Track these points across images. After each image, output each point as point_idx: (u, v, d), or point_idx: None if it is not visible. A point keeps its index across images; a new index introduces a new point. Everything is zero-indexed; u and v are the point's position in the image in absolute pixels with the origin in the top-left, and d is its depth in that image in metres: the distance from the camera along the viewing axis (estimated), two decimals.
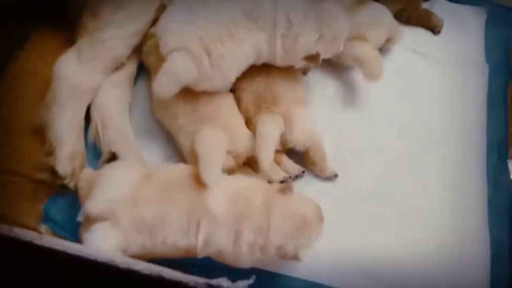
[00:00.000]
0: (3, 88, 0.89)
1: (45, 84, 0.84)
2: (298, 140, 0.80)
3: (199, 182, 0.70)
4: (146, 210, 0.68)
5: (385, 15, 0.91)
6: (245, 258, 0.68)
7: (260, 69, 0.83)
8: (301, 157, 0.84)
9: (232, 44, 0.74)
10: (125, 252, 0.67)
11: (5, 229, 0.54)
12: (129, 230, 0.68)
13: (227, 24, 0.73)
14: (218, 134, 0.76)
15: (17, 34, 0.93)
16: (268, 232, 0.67)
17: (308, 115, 0.83)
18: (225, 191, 0.70)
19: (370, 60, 0.87)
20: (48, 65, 0.84)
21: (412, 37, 1.00)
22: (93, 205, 0.69)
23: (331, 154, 0.84)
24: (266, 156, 0.75)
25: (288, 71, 0.85)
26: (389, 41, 0.93)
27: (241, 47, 0.75)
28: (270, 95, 0.82)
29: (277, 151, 0.80)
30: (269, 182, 0.77)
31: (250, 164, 0.81)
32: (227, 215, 0.68)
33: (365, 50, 0.87)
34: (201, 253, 0.68)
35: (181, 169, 0.74)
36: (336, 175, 0.84)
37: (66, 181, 0.78)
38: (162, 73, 0.72)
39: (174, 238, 0.67)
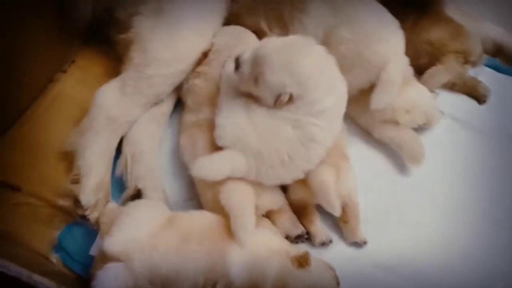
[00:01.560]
0: (40, 109, 0.90)
1: (82, 110, 0.84)
2: (340, 194, 0.76)
3: (221, 235, 0.67)
4: (163, 260, 0.65)
5: (425, 98, 0.88)
6: None
7: None
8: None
9: None
10: None
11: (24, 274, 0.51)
12: (141, 277, 0.64)
13: None
14: (245, 186, 0.73)
15: (61, 57, 0.94)
16: None
17: (352, 172, 0.80)
18: (246, 254, 0.66)
19: (408, 144, 0.86)
20: (88, 91, 0.85)
21: (454, 103, 0.97)
22: (111, 243, 0.67)
23: None
24: (334, 202, 0.73)
25: None
26: (423, 125, 0.90)
27: None
28: None
29: (309, 209, 0.78)
30: (287, 237, 0.75)
31: (268, 216, 0.78)
32: (242, 282, 0.64)
33: (401, 133, 0.86)
34: None
35: (204, 218, 0.71)
36: (365, 242, 0.80)
37: (87, 212, 0.76)
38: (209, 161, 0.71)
39: None
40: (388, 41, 0.82)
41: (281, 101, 0.70)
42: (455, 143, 0.94)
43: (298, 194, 0.78)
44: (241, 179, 0.72)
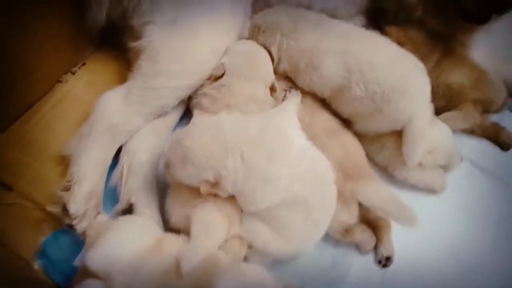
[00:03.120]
0: (44, 108, 0.88)
1: (85, 114, 0.82)
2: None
3: (205, 270, 0.62)
4: (146, 285, 0.61)
5: (447, 140, 0.83)
6: None
7: None
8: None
9: None
10: None
11: None
12: None
13: None
14: (218, 213, 0.69)
15: (72, 59, 0.93)
16: None
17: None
18: None
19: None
20: (96, 95, 0.82)
21: (474, 147, 0.92)
22: (93, 258, 0.64)
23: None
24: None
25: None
26: (444, 167, 0.85)
27: None
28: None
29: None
30: None
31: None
32: None
33: (425, 175, 0.83)
34: None
35: None
36: (389, 258, 0.76)
37: (74, 222, 0.73)
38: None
39: None
40: (412, 95, 0.77)
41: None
42: (473, 189, 0.88)
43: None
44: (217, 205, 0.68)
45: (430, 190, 0.84)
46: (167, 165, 0.68)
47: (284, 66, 0.86)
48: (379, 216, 0.77)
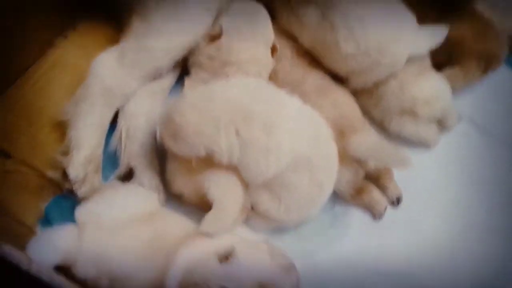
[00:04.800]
0: (38, 73, 0.85)
1: (81, 78, 0.79)
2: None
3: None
4: (118, 255, 0.60)
5: (445, 91, 0.82)
6: None
7: None
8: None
9: None
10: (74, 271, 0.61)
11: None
12: (86, 257, 0.61)
13: None
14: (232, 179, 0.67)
15: (63, 22, 0.89)
16: None
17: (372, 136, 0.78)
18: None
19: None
20: (88, 58, 0.80)
21: (472, 103, 0.90)
22: (80, 209, 0.65)
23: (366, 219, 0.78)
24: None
25: None
26: (440, 122, 0.84)
27: None
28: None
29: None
30: None
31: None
32: None
33: (420, 129, 0.81)
34: None
35: (182, 226, 0.66)
36: (399, 198, 0.78)
37: (75, 186, 0.72)
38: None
39: None
40: (404, 38, 0.76)
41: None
42: (469, 148, 0.87)
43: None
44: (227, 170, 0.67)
45: (423, 144, 0.83)
46: (161, 138, 0.67)
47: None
48: (377, 166, 0.77)
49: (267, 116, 0.65)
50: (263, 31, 0.81)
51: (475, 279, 0.75)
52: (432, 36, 0.79)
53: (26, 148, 0.80)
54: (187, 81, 0.79)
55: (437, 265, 0.76)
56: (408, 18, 0.78)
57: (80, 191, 0.73)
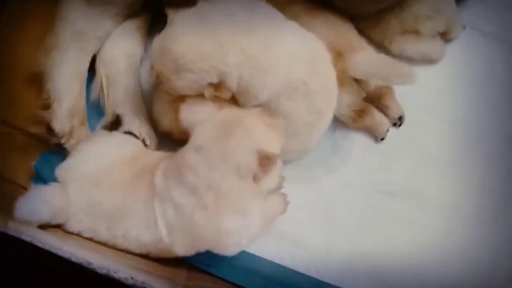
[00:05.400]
0: (4, 26, 0.78)
1: (47, 25, 0.73)
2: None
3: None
4: (107, 198, 0.60)
5: (447, 2, 0.77)
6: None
7: None
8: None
9: None
10: (67, 227, 0.61)
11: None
12: (78, 208, 0.61)
13: None
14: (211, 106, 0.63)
15: None
16: None
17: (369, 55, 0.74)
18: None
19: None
20: (52, 1, 0.73)
21: (476, 12, 0.85)
22: (61, 166, 0.64)
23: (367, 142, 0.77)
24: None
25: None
26: (444, 35, 0.80)
27: None
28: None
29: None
30: None
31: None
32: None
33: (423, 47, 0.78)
34: (173, 244, 0.58)
35: (162, 156, 0.64)
36: (401, 117, 0.76)
37: (62, 140, 0.70)
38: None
39: (137, 232, 0.59)
40: None
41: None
42: (474, 56, 0.83)
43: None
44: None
45: (428, 60, 0.80)
46: (158, 78, 0.61)
47: None
48: (378, 85, 0.74)
49: (266, 32, 0.60)
50: None
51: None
52: None
53: (4, 107, 0.75)
54: (170, 10, 0.68)
55: (439, 185, 0.76)
56: None
57: (69, 145, 0.70)
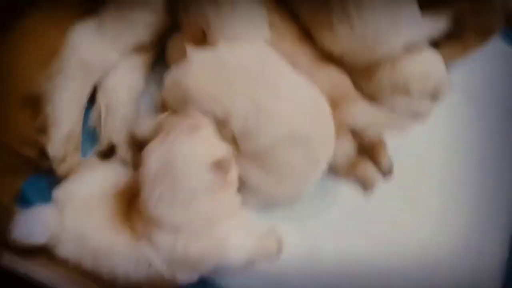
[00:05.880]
0: (6, 46, 0.80)
1: (54, 50, 0.75)
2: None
3: None
4: (94, 234, 0.60)
5: (437, 66, 0.81)
6: None
7: None
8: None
9: None
10: (56, 251, 0.61)
11: None
12: (68, 236, 0.60)
13: None
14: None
15: None
16: None
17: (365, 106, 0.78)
18: None
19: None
20: (62, 29, 0.75)
21: (464, 74, 0.90)
22: (57, 190, 0.64)
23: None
24: None
25: None
26: (432, 95, 0.83)
27: None
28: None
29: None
30: None
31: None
32: None
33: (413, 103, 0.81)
34: (174, 275, 0.58)
35: None
36: (390, 168, 0.78)
37: (54, 165, 0.70)
38: None
39: (125, 270, 0.59)
40: (402, 29, 0.73)
41: None
42: (461, 117, 0.89)
43: None
44: None
45: (416, 118, 0.83)
46: (163, 106, 0.64)
47: None
48: (371, 138, 0.77)
49: (274, 82, 0.63)
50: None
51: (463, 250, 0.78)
52: (432, 26, 0.77)
53: None
54: (189, 47, 0.69)
55: (428, 229, 0.78)
56: (409, 4, 0.75)
57: (59, 170, 0.70)
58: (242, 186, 0.67)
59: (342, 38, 0.74)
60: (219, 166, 0.55)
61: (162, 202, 0.55)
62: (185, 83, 0.61)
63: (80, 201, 0.62)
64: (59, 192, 0.64)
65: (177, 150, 0.56)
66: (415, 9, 0.76)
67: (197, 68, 0.62)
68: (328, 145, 0.69)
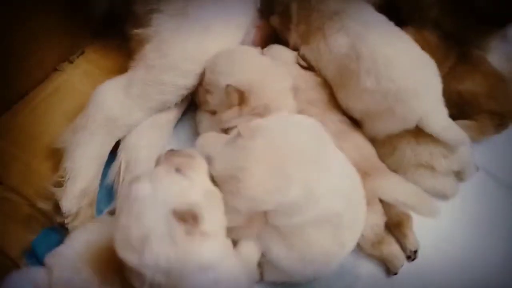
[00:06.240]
0: (38, 98, 0.83)
1: (83, 104, 0.76)
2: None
3: None
4: None
5: (463, 144, 0.78)
6: None
7: None
8: None
9: None
10: None
11: None
12: None
13: None
14: None
15: (70, 46, 0.88)
16: None
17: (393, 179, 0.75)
18: None
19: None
20: (94, 85, 0.77)
21: (488, 155, 0.86)
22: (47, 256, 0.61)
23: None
24: None
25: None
26: (457, 174, 0.80)
27: None
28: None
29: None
30: None
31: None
32: None
33: (438, 182, 0.78)
34: None
35: None
36: (416, 251, 0.73)
37: (66, 220, 0.68)
38: None
39: None
40: (425, 96, 0.72)
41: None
42: (486, 199, 0.83)
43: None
44: None
45: (441, 196, 0.79)
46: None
47: (301, 28, 0.83)
48: (399, 211, 0.73)
49: (325, 162, 0.60)
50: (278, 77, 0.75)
51: None
52: (451, 131, 0.74)
53: (18, 175, 0.76)
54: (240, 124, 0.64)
55: None
56: (435, 83, 0.74)
57: (72, 225, 0.68)
58: (263, 259, 0.64)
59: (365, 91, 0.72)
60: (182, 216, 0.50)
61: (121, 243, 0.52)
62: (244, 178, 0.57)
63: (67, 260, 0.59)
64: (49, 257, 0.61)
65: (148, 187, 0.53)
66: (439, 92, 0.74)
67: (253, 160, 0.57)
68: (358, 228, 0.64)
